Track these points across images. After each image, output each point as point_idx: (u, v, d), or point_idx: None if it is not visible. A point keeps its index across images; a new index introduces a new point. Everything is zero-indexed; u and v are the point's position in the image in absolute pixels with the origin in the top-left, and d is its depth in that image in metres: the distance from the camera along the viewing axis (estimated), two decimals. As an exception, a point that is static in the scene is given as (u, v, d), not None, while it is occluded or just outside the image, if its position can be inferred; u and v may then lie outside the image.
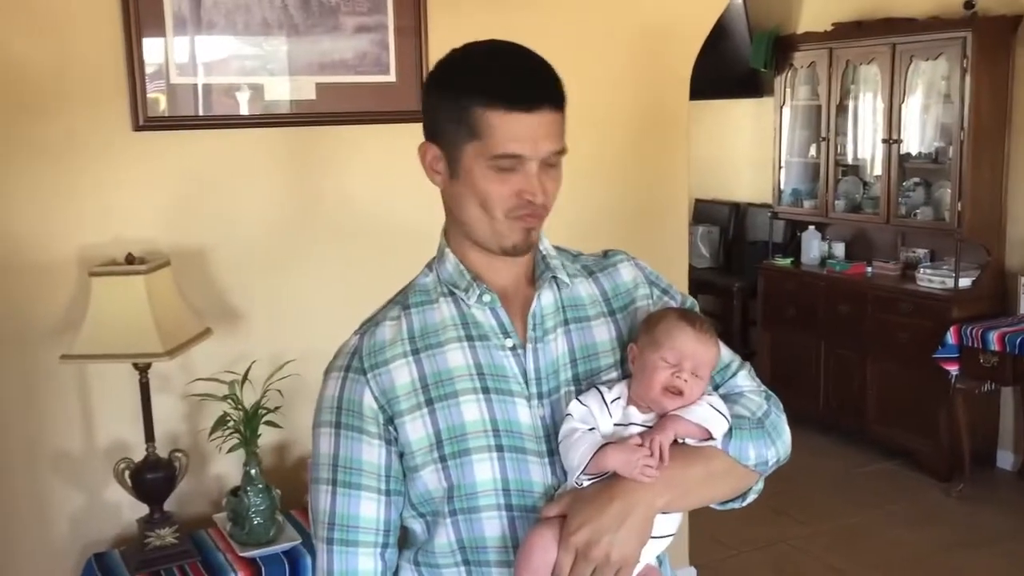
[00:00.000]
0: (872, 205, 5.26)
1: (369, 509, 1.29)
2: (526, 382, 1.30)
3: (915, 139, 5.10)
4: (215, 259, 2.89)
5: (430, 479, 1.28)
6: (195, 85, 2.84)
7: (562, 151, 1.28)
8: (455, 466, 1.27)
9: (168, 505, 2.64)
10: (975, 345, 4.38)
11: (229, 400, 2.59)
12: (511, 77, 1.26)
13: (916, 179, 5.05)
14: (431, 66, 3.32)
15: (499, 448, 1.27)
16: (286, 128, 2.96)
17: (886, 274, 5.16)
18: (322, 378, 1.39)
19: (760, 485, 1.37)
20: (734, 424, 1.29)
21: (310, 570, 2.58)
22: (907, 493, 4.64)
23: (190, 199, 2.85)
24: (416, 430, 1.28)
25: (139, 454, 2.61)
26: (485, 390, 1.28)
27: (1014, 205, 4.77)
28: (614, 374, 1.34)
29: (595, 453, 1.22)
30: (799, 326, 5.37)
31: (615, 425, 1.26)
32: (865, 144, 5.40)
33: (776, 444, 1.33)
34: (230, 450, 2.63)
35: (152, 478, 2.57)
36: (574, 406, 1.28)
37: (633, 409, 1.28)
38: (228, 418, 2.59)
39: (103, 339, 2.46)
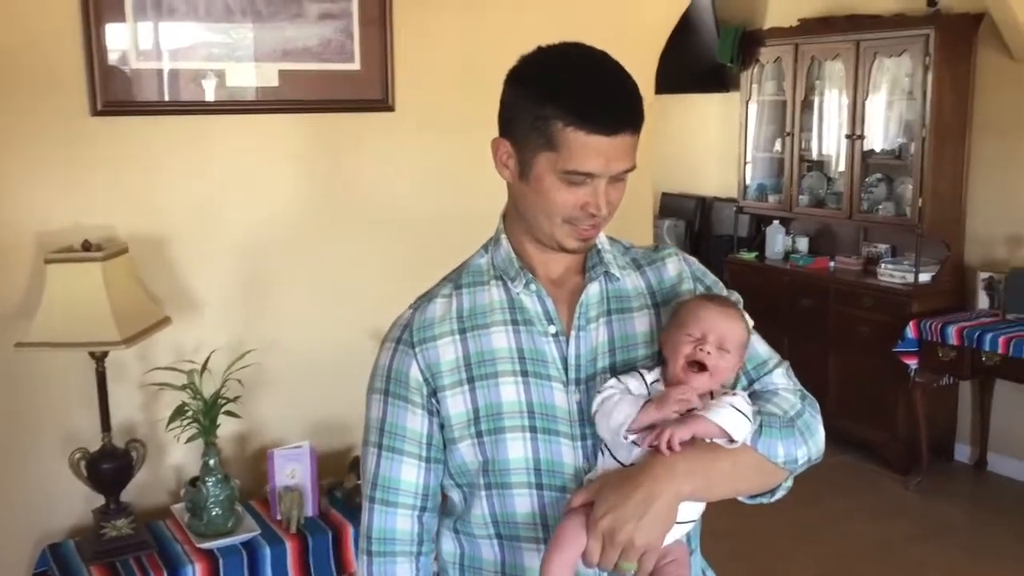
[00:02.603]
0: (835, 200, 5.31)
1: (410, 474, 1.36)
2: (565, 368, 1.35)
3: (879, 135, 5.14)
4: (175, 247, 2.86)
5: (467, 452, 1.34)
6: (157, 70, 2.81)
7: (632, 168, 1.30)
8: (490, 442, 1.33)
9: (125, 496, 2.61)
10: (934, 339, 4.44)
11: (188, 389, 2.57)
12: (598, 101, 1.26)
13: (879, 175, 5.10)
14: (396, 54, 3.29)
15: (532, 429, 1.32)
16: (248, 115, 2.93)
17: (848, 269, 5.21)
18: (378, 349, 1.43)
19: (790, 483, 1.39)
20: (764, 422, 1.31)
21: (268, 560, 2.56)
22: (866, 485, 4.70)
23: (150, 186, 2.82)
24: (456, 405, 1.34)
25: (95, 444, 2.57)
26: (524, 373, 1.34)
27: (974, 202, 4.83)
28: (651, 364, 1.37)
29: (641, 408, 1.26)
30: (763, 320, 5.28)
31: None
32: (830, 140, 5.44)
33: (808, 443, 1.34)
34: (188, 440, 2.61)
35: (108, 468, 2.54)
36: (611, 381, 1.31)
37: (666, 390, 1.29)
38: (187, 408, 2.57)
39: (58, 327, 2.43)
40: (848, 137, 5.11)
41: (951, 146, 4.75)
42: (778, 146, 5.67)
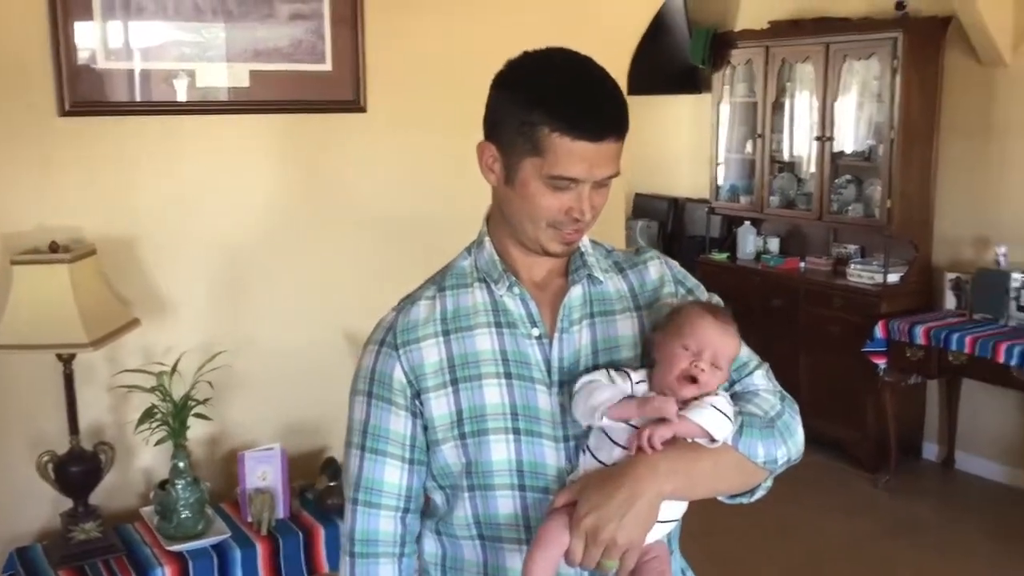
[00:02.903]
0: (805, 201, 5.35)
1: (393, 475, 1.36)
2: (548, 370, 1.35)
3: (848, 137, 5.18)
4: (145, 249, 2.84)
5: (450, 454, 1.34)
6: (126, 70, 2.79)
7: (616, 174, 1.32)
8: (473, 444, 1.33)
9: (94, 499, 2.59)
10: (902, 339, 4.49)
11: (157, 392, 2.55)
12: (584, 107, 1.27)
13: (848, 176, 5.14)
14: (367, 55, 3.28)
15: (516, 431, 1.33)
16: (218, 116, 2.91)
17: (818, 269, 5.25)
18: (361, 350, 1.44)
19: (769, 483, 1.40)
20: (745, 422, 1.32)
21: (239, 563, 2.55)
22: (837, 484, 4.74)
23: (119, 187, 2.79)
24: (440, 407, 1.34)
25: (63, 446, 2.55)
26: (508, 375, 1.34)
27: (941, 203, 4.89)
28: (636, 365, 1.38)
29: (621, 400, 1.27)
30: (735, 320, 5.41)
31: None
32: (800, 141, 5.47)
33: (787, 444, 1.36)
34: (158, 443, 2.59)
35: (76, 471, 2.53)
36: (599, 372, 1.32)
37: (653, 395, 1.31)
38: (156, 410, 2.55)
39: (25, 329, 2.40)
40: (818, 139, 5.15)
41: (919, 148, 4.80)
42: (749, 147, 5.71)
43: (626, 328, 1.40)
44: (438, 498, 1.40)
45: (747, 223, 5.71)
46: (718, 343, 1.31)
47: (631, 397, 1.28)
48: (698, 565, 1.57)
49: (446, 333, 1.36)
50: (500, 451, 1.33)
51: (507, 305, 1.37)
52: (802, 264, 5.35)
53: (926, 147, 4.83)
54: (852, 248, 5.24)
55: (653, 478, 1.23)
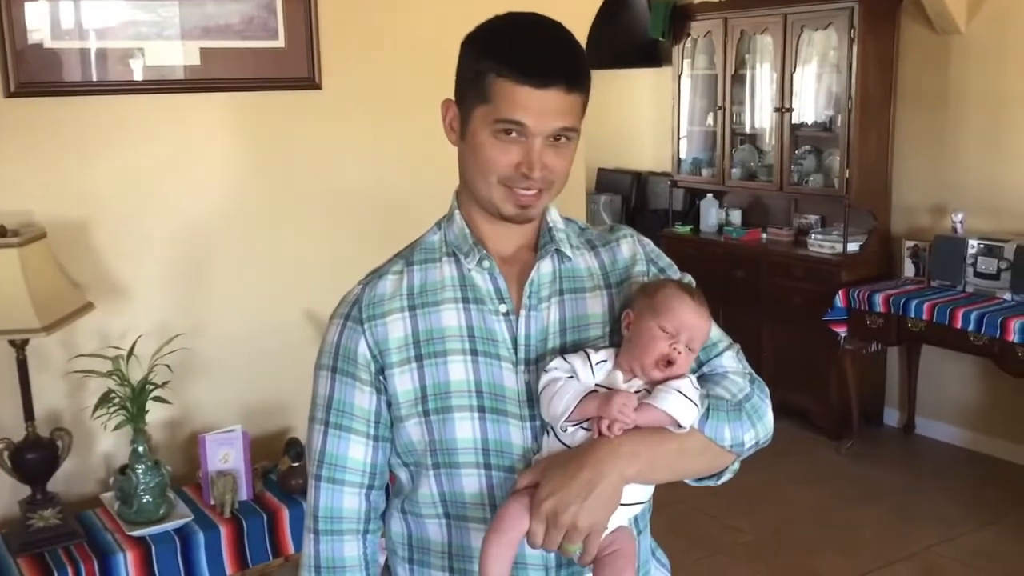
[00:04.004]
0: (766, 173, 5.37)
1: (357, 451, 1.35)
2: (515, 347, 1.33)
3: (808, 108, 5.20)
4: (98, 231, 2.80)
5: (413, 431, 1.33)
6: (75, 50, 2.73)
7: (571, 129, 1.29)
8: (437, 421, 1.31)
9: (52, 485, 2.56)
10: (862, 307, 4.53)
11: (114, 376, 2.52)
12: (530, 52, 1.27)
13: (808, 147, 5.17)
14: (321, 31, 3.24)
15: (481, 409, 1.31)
16: (168, 95, 2.86)
17: (780, 240, 5.29)
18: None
19: (736, 465, 1.39)
20: (712, 405, 1.31)
21: (202, 546, 2.53)
22: (800, 451, 4.79)
23: (69, 169, 2.75)
24: (404, 383, 1.32)
25: (18, 434, 2.51)
26: (473, 352, 1.32)
27: (899, 172, 4.93)
28: (600, 344, 1.36)
29: (581, 400, 1.25)
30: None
31: (597, 385, 1.28)
32: (761, 113, 5.48)
33: (756, 427, 1.35)
34: (116, 427, 2.56)
35: (33, 458, 2.49)
36: (556, 361, 1.30)
37: (618, 374, 1.29)
38: (113, 395, 2.52)
39: (-25, 315, 2.36)
40: (777, 110, 5.17)
41: (876, 118, 4.83)
42: (710, 120, 5.71)
43: (596, 306, 1.38)
44: (403, 475, 1.39)
45: (709, 196, 5.73)
46: (695, 325, 1.30)
47: (592, 393, 1.26)
48: (664, 536, 1.57)
49: (412, 308, 1.33)
50: (464, 429, 1.31)
51: (475, 280, 1.35)
52: (764, 235, 5.38)
53: (883, 117, 4.86)
54: (813, 218, 5.28)
55: (615, 461, 1.22)
